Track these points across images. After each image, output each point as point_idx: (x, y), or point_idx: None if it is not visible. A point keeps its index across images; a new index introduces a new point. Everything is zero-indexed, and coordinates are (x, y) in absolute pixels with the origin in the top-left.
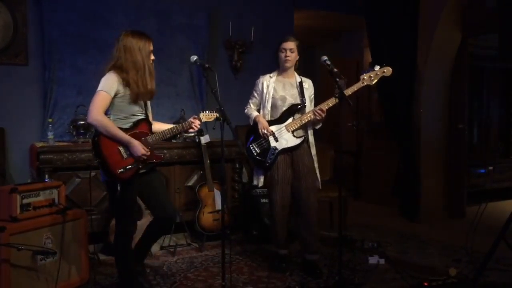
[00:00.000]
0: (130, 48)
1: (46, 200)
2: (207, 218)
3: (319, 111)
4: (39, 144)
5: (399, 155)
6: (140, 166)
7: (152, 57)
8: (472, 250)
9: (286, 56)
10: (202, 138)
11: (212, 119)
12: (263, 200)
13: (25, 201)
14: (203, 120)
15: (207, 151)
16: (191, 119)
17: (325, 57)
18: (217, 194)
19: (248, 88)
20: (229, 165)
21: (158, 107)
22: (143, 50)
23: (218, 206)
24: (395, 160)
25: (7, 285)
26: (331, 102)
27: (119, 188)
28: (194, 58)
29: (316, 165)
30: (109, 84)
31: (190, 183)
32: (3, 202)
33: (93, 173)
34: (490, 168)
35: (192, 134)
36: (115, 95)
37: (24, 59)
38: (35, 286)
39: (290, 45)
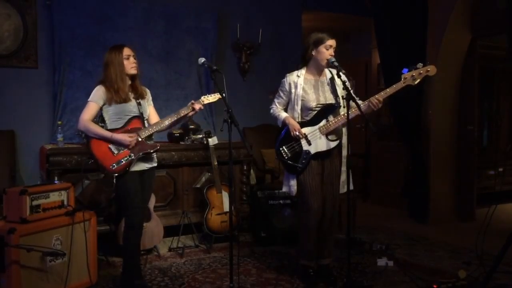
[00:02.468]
0: (106, 63)
1: (55, 201)
2: (215, 219)
3: (376, 101)
4: (49, 146)
5: (408, 157)
6: (133, 158)
7: (133, 60)
8: (482, 253)
9: (331, 54)
10: (210, 139)
11: (216, 99)
12: (271, 202)
13: (34, 202)
14: (205, 102)
15: (215, 152)
16: (190, 104)
17: (333, 58)
18: (225, 196)
19: (256, 90)
20: (237, 167)
21: (167, 109)
22: (116, 60)
23: (226, 207)
24: (403, 161)
25: (17, 286)
26: (391, 89)
27: (114, 181)
28: (202, 60)
29: (344, 168)
30: (97, 95)
31: (198, 185)
32: (13, 204)
33: (101, 175)
34: (500, 170)
35: (200, 136)
36: (104, 103)
37: (34, 62)
38: (44, 287)
39: (335, 42)
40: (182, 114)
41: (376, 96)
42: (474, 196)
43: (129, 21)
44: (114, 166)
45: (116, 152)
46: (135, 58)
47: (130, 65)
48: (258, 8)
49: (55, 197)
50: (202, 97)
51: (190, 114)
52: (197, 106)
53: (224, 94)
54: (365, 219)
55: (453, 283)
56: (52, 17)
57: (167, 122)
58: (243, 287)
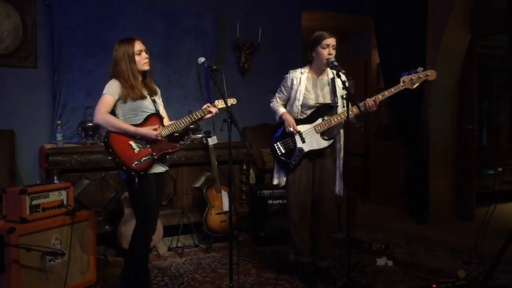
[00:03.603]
0: (116, 59)
1: (55, 201)
2: (214, 219)
3: (371, 103)
4: (48, 146)
5: (407, 157)
6: (155, 157)
7: (145, 55)
8: (482, 252)
9: (330, 54)
10: (209, 139)
11: (230, 104)
12: (271, 202)
13: (34, 202)
14: (219, 106)
15: (214, 152)
16: (206, 106)
17: (332, 58)
18: (225, 196)
19: (255, 90)
20: (237, 167)
21: (167, 109)
22: (126, 54)
23: (226, 207)
24: (403, 161)
25: (17, 285)
26: (388, 92)
27: (136, 182)
28: (201, 59)
29: (340, 170)
30: (112, 88)
31: (197, 185)
32: (12, 204)
33: (101, 175)
34: (500, 169)
35: (200, 135)
36: (119, 99)
37: (34, 62)
38: (44, 287)
39: (334, 41)
40: (199, 117)
41: (373, 97)
42: (474, 195)
43: (129, 21)
44: (137, 163)
45: (137, 149)
46: (147, 53)
47: (143, 61)
48: (258, 7)
49: (54, 196)
50: (217, 101)
51: (207, 117)
52: (214, 109)
53: (223, 94)
54: (365, 219)
55: (453, 283)
56: (51, 17)
57: (185, 123)
58: (243, 287)
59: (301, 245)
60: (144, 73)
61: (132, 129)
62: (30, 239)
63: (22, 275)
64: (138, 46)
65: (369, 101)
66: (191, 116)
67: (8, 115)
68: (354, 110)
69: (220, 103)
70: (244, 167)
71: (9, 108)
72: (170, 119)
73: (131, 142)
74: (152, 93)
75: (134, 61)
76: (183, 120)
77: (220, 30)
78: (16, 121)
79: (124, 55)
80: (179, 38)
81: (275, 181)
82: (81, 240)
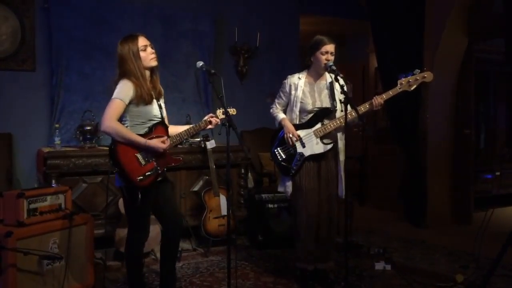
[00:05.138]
0: (121, 57)
1: (52, 205)
2: (212, 223)
3: (379, 101)
4: (46, 149)
5: (405, 161)
6: (159, 172)
7: (150, 50)
8: (479, 256)
9: (328, 60)
10: (207, 143)
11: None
12: (269, 205)
13: (32, 206)
14: (220, 117)
15: (212, 156)
16: (208, 117)
17: (330, 63)
18: (223, 199)
19: (253, 93)
20: (235, 170)
21: None
22: (131, 52)
23: (224, 211)
24: (400, 165)
25: None
26: (386, 95)
27: (139, 196)
28: (199, 63)
29: (341, 173)
30: (125, 91)
31: (195, 188)
32: (10, 207)
33: (99, 178)
34: (497, 173)
35: (198, 139)
36: (130, 102)
37: (32, 65)
38: None
39: (333, 47)
40: (201, 128)
41: (383, 95)
42: (471, 199)
43: (127, 24)
44: (141, 179)
45: (143, 162)
46: (152, 48)
47: (149, 57)
48: (256, 11)
49: (52, 200)
50: (218, 111)
51: (208, 127)
52: (214, 120)
53: (222, 98)
54: (362, 223)
55: (450, 287)
56: (49, 20)
57: (187, 134)
58: None
59: (308, 252)
60: (151, 71)
61: (142, 141)
62: (27, 243)
63: (19, 279)
64: (142, 41)
65: (377, 99)
66: (194, 126)
67: (5, 118)
68: (353, 114)
69: (220, 114)
70: (242, 170)
71: (6, 111)
72: (169, 123)
73: (138, 155)
74: (159, 96)
75: (139, 58)
76: (186, 131)
77: (218, 33)
78: (14, 124)
79: (130, 53)
80: (177, 42)
81: (280, 188)
82: (78, 244)
